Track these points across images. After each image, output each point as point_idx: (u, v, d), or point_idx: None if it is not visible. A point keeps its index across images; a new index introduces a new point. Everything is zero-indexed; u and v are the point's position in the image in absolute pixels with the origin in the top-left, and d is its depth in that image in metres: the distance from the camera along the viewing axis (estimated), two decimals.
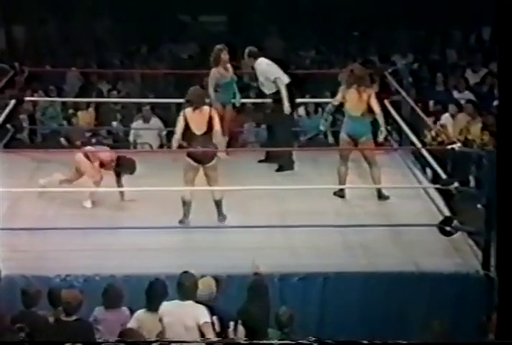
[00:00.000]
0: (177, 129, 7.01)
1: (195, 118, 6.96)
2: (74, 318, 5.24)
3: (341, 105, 7.72)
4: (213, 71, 8.34)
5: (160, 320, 5.38)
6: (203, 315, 5.31)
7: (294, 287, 6.35)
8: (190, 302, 5.38)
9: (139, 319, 5.46)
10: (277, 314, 5.42)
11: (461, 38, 13.32)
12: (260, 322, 5.37)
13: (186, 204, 7.04)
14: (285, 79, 8.27)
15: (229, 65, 8.40)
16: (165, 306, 5.42)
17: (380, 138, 7.66)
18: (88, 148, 7.92)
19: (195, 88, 7.20)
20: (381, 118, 7.63)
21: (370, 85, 7.75)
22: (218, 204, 7.08)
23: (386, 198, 7.61)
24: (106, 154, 7.56)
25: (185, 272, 5.49)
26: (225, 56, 8.30)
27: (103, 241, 6.73)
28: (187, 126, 6.96)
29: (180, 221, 7.04)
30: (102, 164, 7.48)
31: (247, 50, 8.38)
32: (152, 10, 13.17)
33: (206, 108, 7.05)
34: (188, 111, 7.00)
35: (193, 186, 7.01)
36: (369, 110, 7.58)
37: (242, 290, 5.74)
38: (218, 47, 8.36)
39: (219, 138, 7.07)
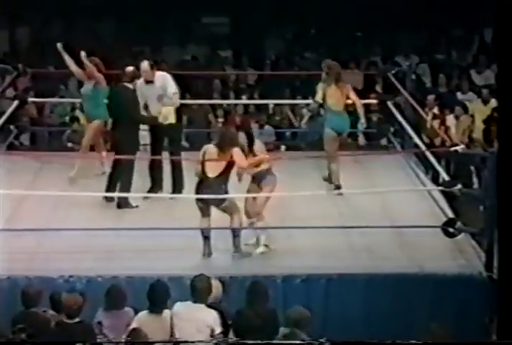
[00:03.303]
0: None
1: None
2: (76, 320, 5.24)
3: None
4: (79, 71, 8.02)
5: (171, 319, 5.35)
6: (215, 323, 5.29)
7: (297, 288, 6.34)
8: (202, 306, 5.34)
9: (141, 321, 5.44)
10: (290, 314, 5.39)
11: (465, 39, 13.30)
12: (256, 325, 5.35)
13: (207, 239, 6.62)
14: None
15: (96, 74, 7.89)
16: (178, 306, 5.39)
17: (361, 128, 8.22)
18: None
19: (224, 130, 6.98)
20: (362, 110, 7.94)
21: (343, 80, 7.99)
22: (235, 234, 6.63)
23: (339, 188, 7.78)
24: None
25: (200, 275, 5.45)
26: (90, 65, 7.86)
27: (106, 242, 6.72)
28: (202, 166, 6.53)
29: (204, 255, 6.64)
30: None
31: (146, 63, 7.72)
32: (155, 11, 13.17)
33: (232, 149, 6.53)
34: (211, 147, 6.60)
35: (209, 221, 6.64)
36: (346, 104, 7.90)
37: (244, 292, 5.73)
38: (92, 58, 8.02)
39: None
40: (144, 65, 7.74)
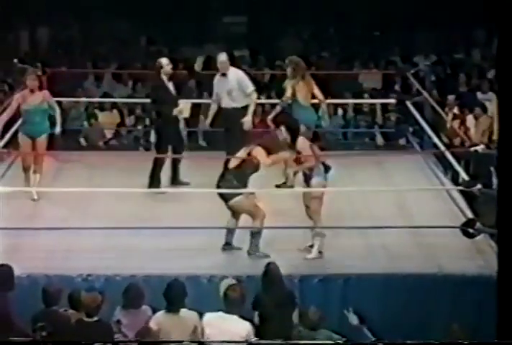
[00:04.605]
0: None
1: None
2: (95, 319, 5.26)
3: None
4: (17, 95, 7.55)
5: (202, 330, 5.30)
6: (248, 335, 5.24)
7: (314, 288, 6.33)
8: (235, 318, 5.27)
9: (159, 320, 5.45)
10: (306, 314, 5.39)
11: (485, 39, 13.23)
12: (275, 310, 5.36)
13: (230, 231, 6.69)
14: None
15: (40, 91, 7.49)
16: (209, 317, 5.32)
17: (324, 125, 8.20)
18: None
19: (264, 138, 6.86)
20: (325, 105, 8.07)
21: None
22: (253, 235, 6.62)
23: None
24: None
25: (234, 285, 5.42)
26: (33, 81, 7.46)
27: (124, 241, 6.74)
28: None
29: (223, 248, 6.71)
30: None
31: (224, 55, 7.83)
32: (173, 11, 13.20)
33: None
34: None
35: (238, 218, 6.69)
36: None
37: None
38: (30, 69, 7.83)
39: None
40: (221, 56, 7.82)
